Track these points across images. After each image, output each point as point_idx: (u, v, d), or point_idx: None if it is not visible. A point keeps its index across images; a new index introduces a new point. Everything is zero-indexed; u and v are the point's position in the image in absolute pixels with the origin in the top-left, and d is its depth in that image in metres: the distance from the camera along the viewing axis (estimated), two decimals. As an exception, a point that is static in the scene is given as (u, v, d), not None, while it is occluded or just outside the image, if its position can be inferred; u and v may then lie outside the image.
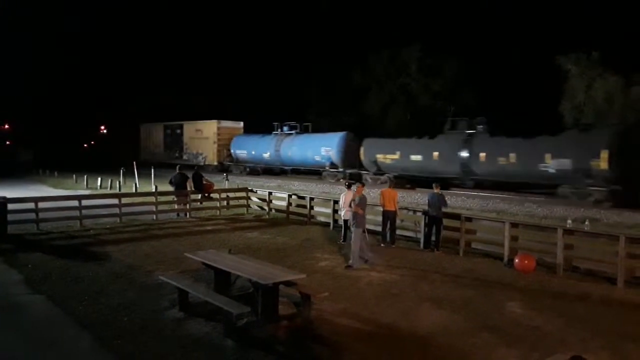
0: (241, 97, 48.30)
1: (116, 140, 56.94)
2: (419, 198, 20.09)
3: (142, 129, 46.75)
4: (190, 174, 17.21)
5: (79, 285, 8.53)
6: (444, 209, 11.85)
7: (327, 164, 28.77)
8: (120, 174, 26.35)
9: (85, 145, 65.78)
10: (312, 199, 16.14)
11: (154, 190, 17.75)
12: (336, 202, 14.21)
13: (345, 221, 12.45)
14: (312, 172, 30.95)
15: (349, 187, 12.68)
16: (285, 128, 32.82)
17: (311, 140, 30.64)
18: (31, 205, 13.75)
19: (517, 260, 10.03)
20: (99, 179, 26.97)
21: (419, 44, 35.82)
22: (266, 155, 32.73)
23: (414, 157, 24.10)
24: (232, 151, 35.74)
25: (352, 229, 10.41)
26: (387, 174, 24.82)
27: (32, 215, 13.60)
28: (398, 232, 12.60)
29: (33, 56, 58.18)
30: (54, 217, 13.97)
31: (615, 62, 25.97)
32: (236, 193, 18.59)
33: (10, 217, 12.82)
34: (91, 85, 59.15)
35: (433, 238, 11.78)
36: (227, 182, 24.54)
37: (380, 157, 25.71)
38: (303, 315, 7.12)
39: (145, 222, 15.13)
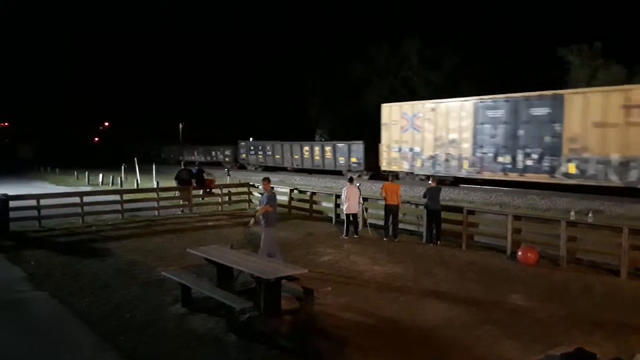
0: (240, 94, 48.21)
1: (122, 136, 56.79)
2: (421, 191, 20.04)
3: (386, 113, 24.52)
4: (194, 170, 17.34)
5: (82, 282, 8.55)
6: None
7: None
8: (122, 170, 26.37)
9: (96, 139, 65.75)
10: (313, 193, 16.10)
11: (155, 186, 17.79)
12: (338, 196, 14.21)
13: (348, 215, 12.44)
14: None
15: (350, 180, 12.69)
16: None
17: None
18: (33, 202, 13.76)
19: (520, 253, 10.03)
20: (101, 175, 27.00)
21: (420, 36, 35.63)
22: None
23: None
24: None
25: (263, 227, 9.09)
26: None
27: (34, 212, 13.62)
28: (401, 225, 12.57)
29: (31, 52, 58.21)
30: (55, 214, 13.99)
31: (618, 52, 25.82)
32: (238, 188, 18.56)
33: (12, 214, 12.87)
34: (93, 80, 59.11)
35: (434, 231, 11.76)
36: (228, 177, 24.55)
37: None
38: (306, 310, 7.11)
39: (147, 218, 15.12)
